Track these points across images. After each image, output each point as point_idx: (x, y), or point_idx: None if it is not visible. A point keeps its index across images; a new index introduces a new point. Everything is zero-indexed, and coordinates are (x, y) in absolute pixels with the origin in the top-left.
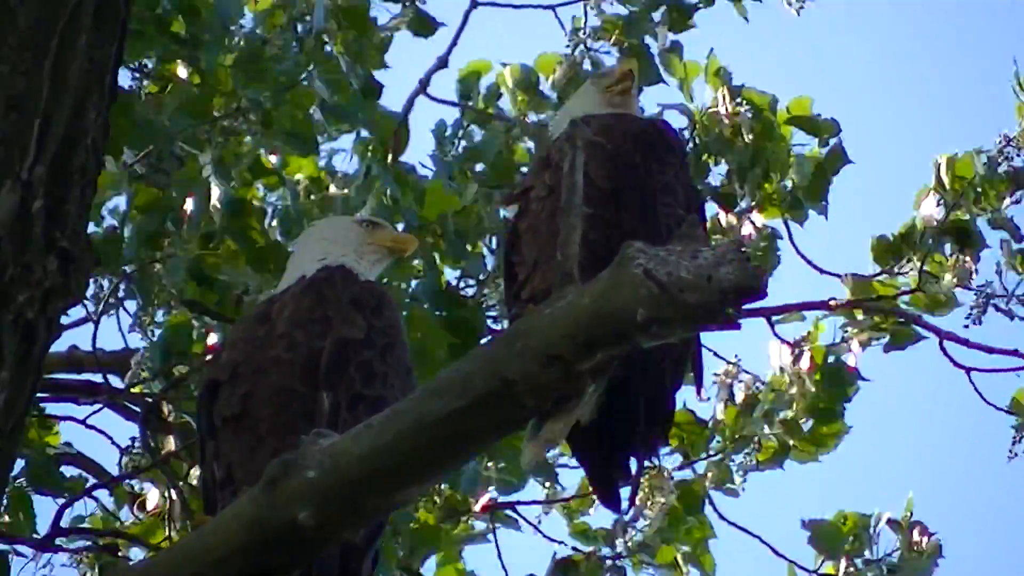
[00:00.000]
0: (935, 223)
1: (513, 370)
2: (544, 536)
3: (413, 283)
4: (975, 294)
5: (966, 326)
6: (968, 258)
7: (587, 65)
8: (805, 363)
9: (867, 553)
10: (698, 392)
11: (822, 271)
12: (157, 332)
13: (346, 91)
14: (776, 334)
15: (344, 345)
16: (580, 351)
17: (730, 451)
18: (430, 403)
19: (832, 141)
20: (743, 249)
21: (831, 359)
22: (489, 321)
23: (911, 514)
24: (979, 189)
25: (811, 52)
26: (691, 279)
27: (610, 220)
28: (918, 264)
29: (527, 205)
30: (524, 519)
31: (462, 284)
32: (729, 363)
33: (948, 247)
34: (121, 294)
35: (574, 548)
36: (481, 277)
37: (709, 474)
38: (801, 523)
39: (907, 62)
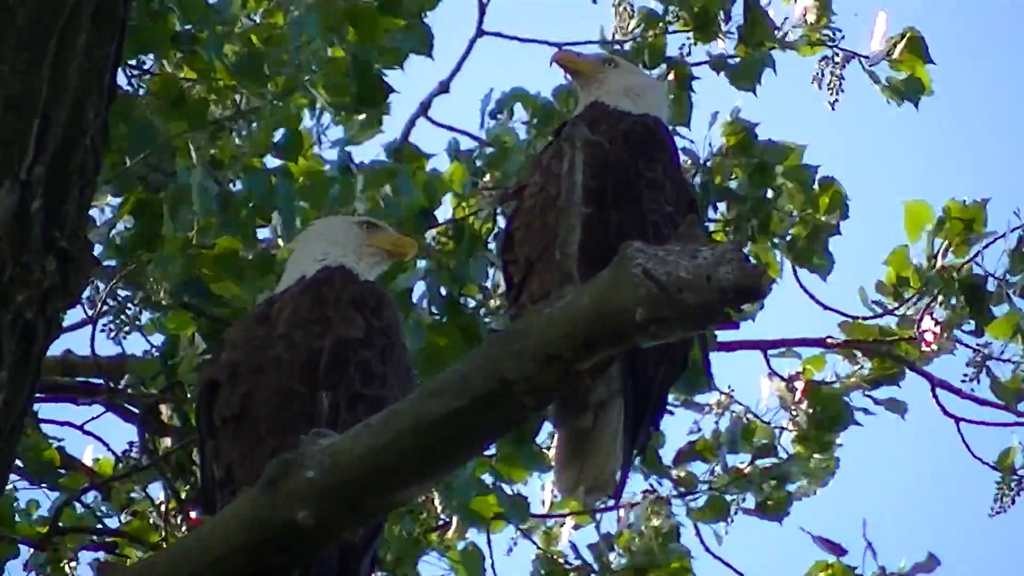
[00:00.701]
0: (936, 271)
1: (512, 370)
2: (538, 547)
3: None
4: (973, 353)
5: (963, 382)
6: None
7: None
8: (799, 395)
9: None
10: (710, 384)
11: (826, 307)
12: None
13: (346, 94)
14: (771, 368)
15: (343, 345)
16: (579, 351)
17: (731, 487)
18: (429, 403)
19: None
20: (741, 247)
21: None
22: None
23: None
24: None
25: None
26: (690, 279)
27: (596, 218)
28: (914, 308)
29: (521, 204)
30: (520, 530)
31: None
32: (722, 393)
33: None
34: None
35: (565, 562)
36: (486, 285)
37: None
38: (812, 538)
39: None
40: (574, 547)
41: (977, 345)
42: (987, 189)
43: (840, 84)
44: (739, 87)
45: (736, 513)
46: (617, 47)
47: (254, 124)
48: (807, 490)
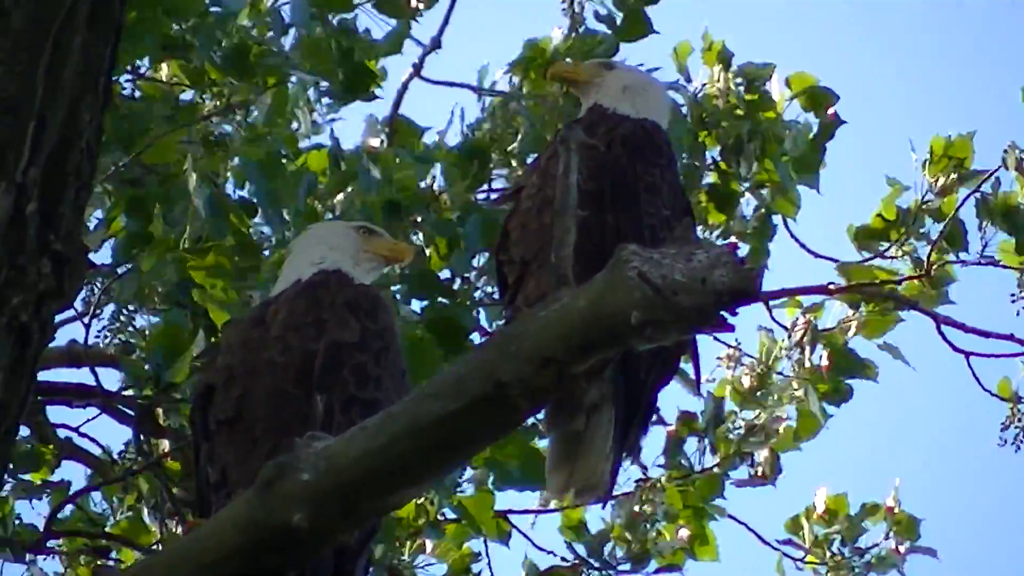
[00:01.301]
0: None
1: (507, 372)
2: (534, 545)
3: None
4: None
5: (1018, 312)
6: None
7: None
8: (812, 352)
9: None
10: (697, 389)
11: (817, 255)
12: (138, 335)
13: (335, 80)
14: (773, 318)
15: (338, 348)
16: (574, 353)
17: (726, 466)
18: (424, 405)
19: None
20: (737, 251)
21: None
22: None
23: (898, 502)
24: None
25: (804, 31)
26: (685, 282)
27: (592, 221)
28: (907, 247)
29: (517, 205)
30: (516, 527)
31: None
32: (730, 347)
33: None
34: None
35: (562, 559)
36: (468, 275)
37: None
38: None
39: (909, 48)
40: (569, 545)
41: (1021, 263)
42: (964, 120)
43: None
44: None
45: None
46: None
47: (242, 116)
48: (790, 445)
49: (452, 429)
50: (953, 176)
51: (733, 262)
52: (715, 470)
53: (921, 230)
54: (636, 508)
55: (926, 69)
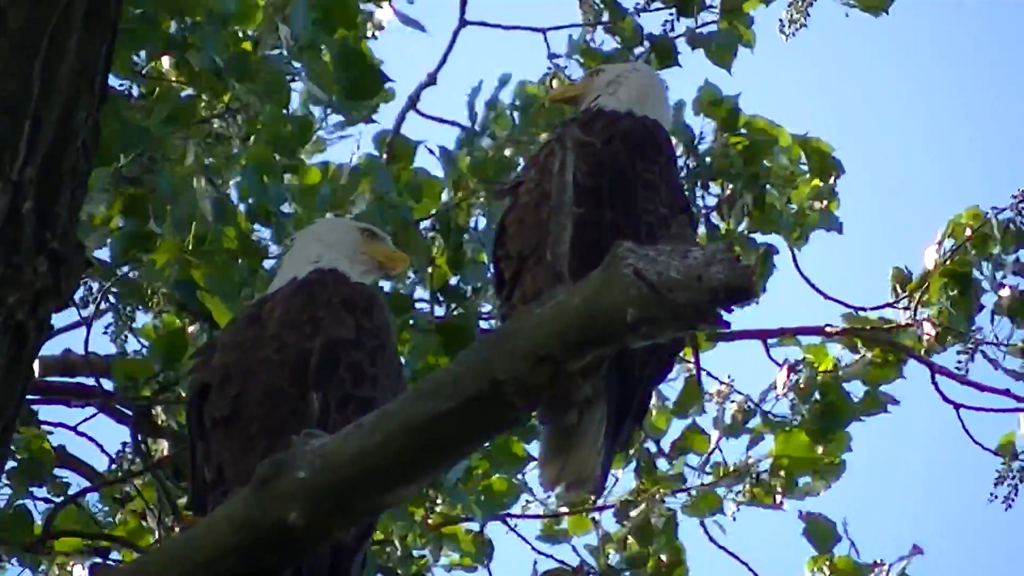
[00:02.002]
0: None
1: (503, 371)
2: (534, 549)
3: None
4: (966, 339)
5: (957, 368)
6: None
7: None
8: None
9: None
10: (698, 381)
11: (827, 296)
12: (138, 336)
13: (334, 90)
14: (770, 357)
15: (334, 346)
16: (570, 351)
17: (723, 481)
18: (420, 404)
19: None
20: (732, 248)
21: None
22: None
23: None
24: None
25: (805, 85)
26: (681, 279)
27: (590, 217)
28: (918, 305)
29: (516, 200)
30: (515, 532)
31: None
32: (722, 382)
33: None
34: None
35: (561, 562)
36: (478, 285)
37: (698, 503)
38: (799, 514)
39: (914, 97)
40: (573, 548)
41: (970, 331)
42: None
43: (804, 19)
44: (716, 63)
45: (738, 510)
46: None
47: (243, 120)
48: (813, 488)
49: (448, 427)
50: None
51: (729, 259)
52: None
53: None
54: (643, 517)
55: (933, 76)
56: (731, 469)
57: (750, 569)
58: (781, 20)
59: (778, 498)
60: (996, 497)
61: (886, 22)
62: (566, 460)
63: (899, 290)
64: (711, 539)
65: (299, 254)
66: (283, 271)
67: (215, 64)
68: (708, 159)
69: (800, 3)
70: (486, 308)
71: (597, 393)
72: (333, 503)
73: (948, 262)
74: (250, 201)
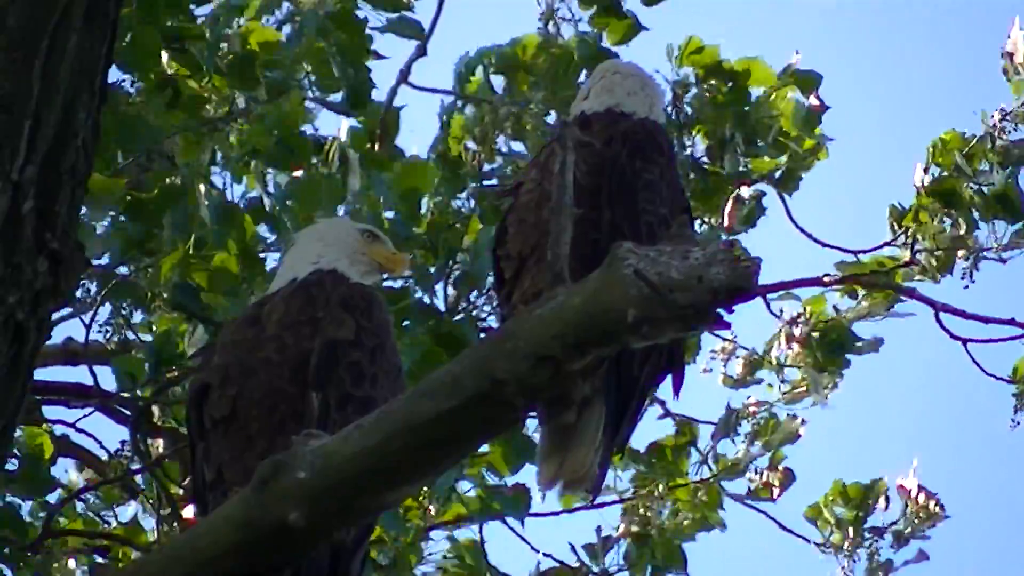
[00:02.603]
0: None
1: (503, 370)
2: (532, 548)
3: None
4: (970, 250)
5: (966, 287)
6: (961, 221)
7: (567, 32)
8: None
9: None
10: (676, 393)
11: (824, 244)
12: (136, 335)
13: (337, 89)
14: (770, 310)
15: (333, 346)
16: (571, 351)
17: (721, 477)
18: (420, 404)
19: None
20: (733, 247)
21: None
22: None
23: (916, 479)
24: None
25: (792, 25)
26: (681, 279)
27: (589, 217)
28: (909, 238)
29: (516, 200)
30: (512, 530)
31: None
32: (725, 339)
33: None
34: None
35: (560, 562)
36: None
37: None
38: None
39: (892, 36)
40: (572, 548)
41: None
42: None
43: None
44: None
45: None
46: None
47: (246, 124)
48: (817, 399)
49: (448, 427)
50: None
51: (730, 259)
52: (712, 481)
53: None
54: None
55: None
56: (729, 463)
57: (768, 515)
58: None
59: (775, 492)
60: (1017, 423)
61: None
62: (563, 459)
63: (896, 227)
64: (728, 494)
65: (299, 254)
66: (283, 271)
67: (218, 67)
68: (692, 107)
69: None
70: (485, 311)
71: (595, 392)
72: (333, 503)
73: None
74: (251, 195)
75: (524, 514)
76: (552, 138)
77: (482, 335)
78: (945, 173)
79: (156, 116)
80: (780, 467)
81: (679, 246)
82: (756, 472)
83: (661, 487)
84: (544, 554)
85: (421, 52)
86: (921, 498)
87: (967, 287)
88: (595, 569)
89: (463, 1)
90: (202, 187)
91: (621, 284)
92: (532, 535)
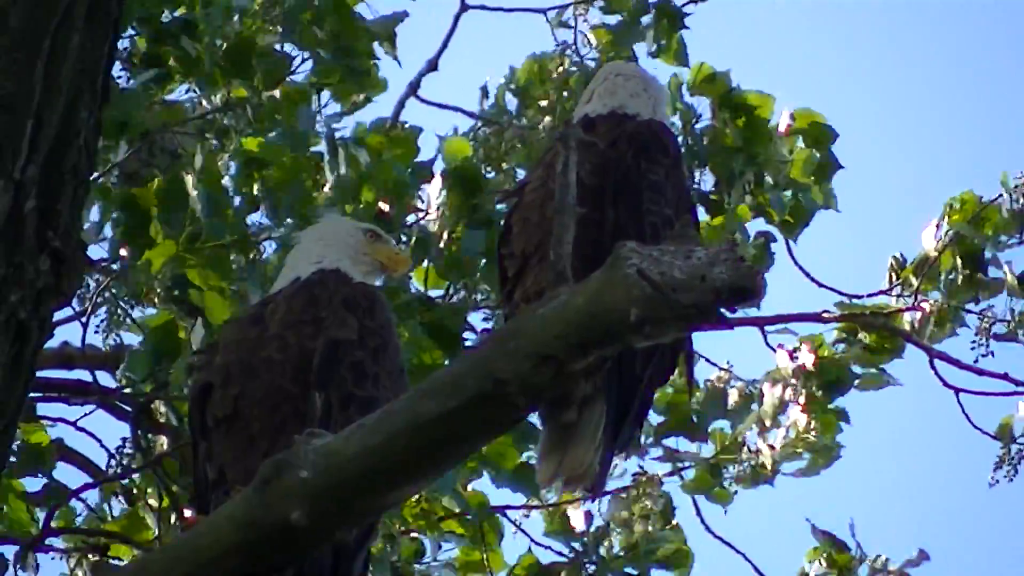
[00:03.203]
0: (938, 251)
1: (505, 370)
2: (531, 539)
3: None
4: (979, 318)
5: (972, 348)
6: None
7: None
8: (805, 361)
9: None
10: (689, 389)
11: (821, 285)
12: (136, 323)
13: (334, 76)
14: (768, 344)
15: (336, 345)
16: (573, 351)
17: (722, 460)
18: (422, 403)
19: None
20: (736, 248)
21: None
22: (480, 321)
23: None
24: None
25: (808, 59)
26: (684, 279)
27: (594, 217)
28: (917, 291)
29: (521, 199)
30: (511, 521)
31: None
32: (721, 369)
33: (952, 276)
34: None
35: (560, 554)
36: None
37: (696, 476)
38: (811, 528)
39: (906, 81)
40: (567, 541)
41: (981, 311)
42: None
43: None
44: None
45: (730, 487)
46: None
47: (241, 113)
48: (812, 469)
49: (450, 426)
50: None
51: (733, 259)
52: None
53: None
54: (634, 505)
55: (929, 60)
56: (728, 444)
57: (745, 558)
58: None
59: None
60: (997, 481)
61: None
62: (563, 457)
63: (895, 277)
64: (706, 527)
65: (302, 254)
66: (286, 271)
67: (214, 58)
68: (705, 139)
69: None
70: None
71: (597, 390)
72: (335, 503)
73: (951, 244)
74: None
75: (536, 491)
76: (556, 138)
77: (470, 327)
78: (962, 233)
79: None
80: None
81: (682, 246)
82: (751, 451)
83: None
84: (543, 546)
85: (432, 67)
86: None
87: (983, 354)
88: (595, 559)
89: (476, 16)
90: (190, 179)
91: (624, 284)
92: (532, 528)
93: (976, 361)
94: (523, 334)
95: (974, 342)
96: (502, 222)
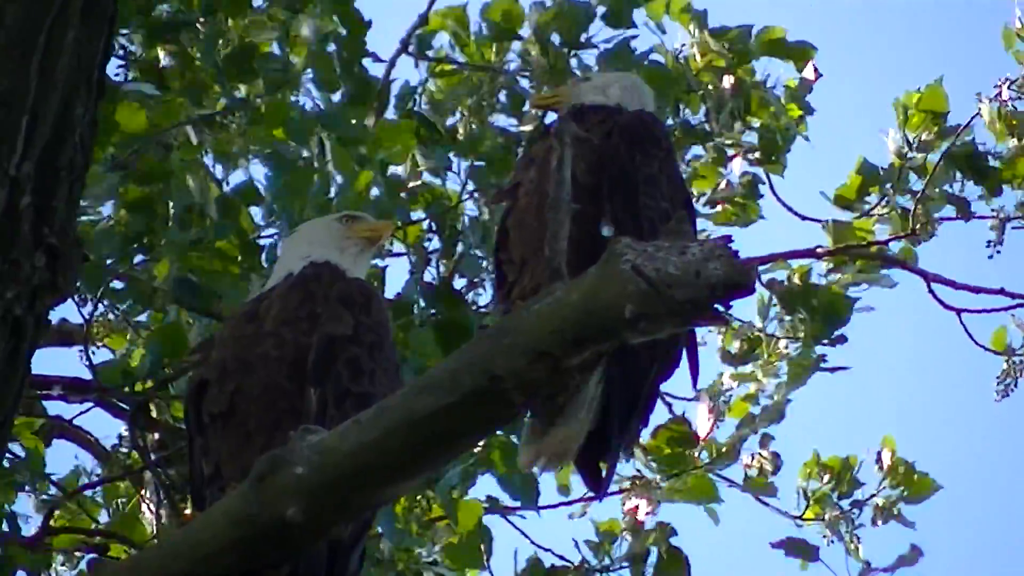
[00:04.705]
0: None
1: (501, 366)
2: (533, 543)
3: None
4: (992, 219)
5: (990, 256)
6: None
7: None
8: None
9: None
10: (694, 384)
11: (804, 218)
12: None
13: (336, 87)
14: (762, 282)
15: (332, 342)
16: (568, 347)
17: (717, 463)
18: (418, 399)
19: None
20: (730, 244)
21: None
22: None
23: (893, 452)
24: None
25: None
26: (679, 275)
27: (591, 214)
28: (891, 205)
29: (515, 202)
30: (513, 526)
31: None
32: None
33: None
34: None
35: (560, 556)
36: (475, 280)
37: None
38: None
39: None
40: (575, 544)
41: (993, 209)
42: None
43: None
44: None
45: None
46: None
47: (243, 118)
48: (782, 391)
49: (446, 422)
50: (934, 130)
51: (727, 255)
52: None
53: (905, 188)
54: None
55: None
56: (723, 450)
57: (751, 493)
58: None
59: (771, 481)
60: (1005, 395)
61: None
62: (546, 435)
63: (866, 190)
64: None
65: (290, 253)
66: (278, 269)
67: (215, 62)
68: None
69: None
70: (483, 301)
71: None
72: (331, 499)
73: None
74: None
75: (535, 503)
76: (551, 134)
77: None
78: (931, 136)
79: (162, 113)
80: (769, 451)
81: (677, 242)
82: (751, 457)
83: (659, 478)
84: (545, 549)
85: (423, 22)
86: (901, 469)
87: (991, 256)
88: (597, 565)
89: None
90: (191, 180)
91: (619, 280)
92: (534, 531)
93: (991, 258)
94: (518, 330)
95: (989, 241)
96: (497, 227)
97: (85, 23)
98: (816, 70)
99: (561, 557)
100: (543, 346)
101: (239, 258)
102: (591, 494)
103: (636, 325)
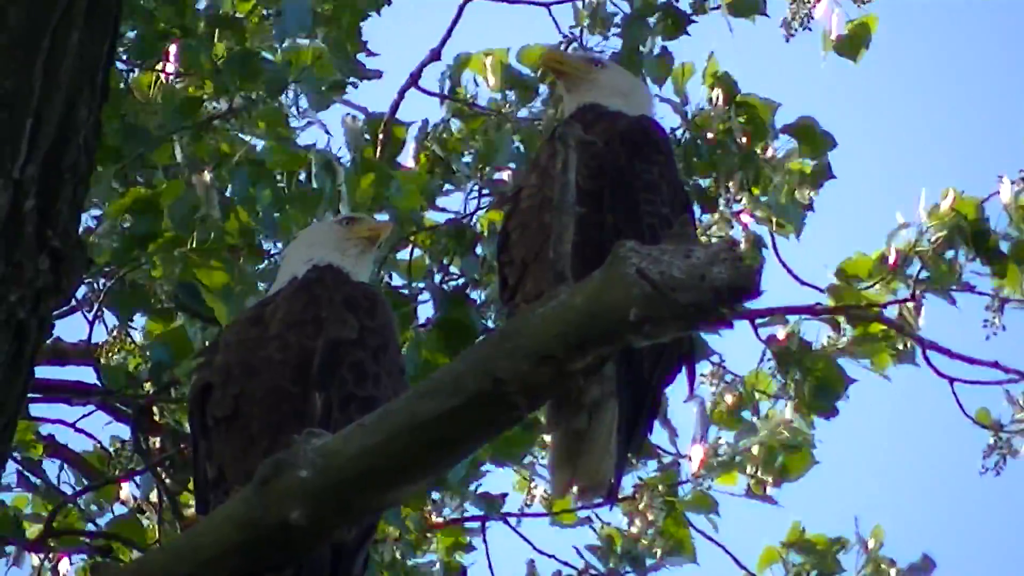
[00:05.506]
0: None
1: (505, 370)
2: (535, 548)
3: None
4: (991, 298)
5: (987, 337)
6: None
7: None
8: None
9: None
10: (690, 391)
11: (803, 283)
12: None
13: (337, 89)
14: (759, 337)
15: (336, 345)
16: (572, 351)
17: (715, 472)
18: (422, 403)
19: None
20: (735, 247)
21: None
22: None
23: (880, 543)
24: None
25: (807, 72)
26: (684, 278)
27: (592, 219)
28: (894, 284)
29: (517, 206)
30: (516, 532)
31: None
32: (713, 364)
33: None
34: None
35: (564, 563)
36: (476, 277)
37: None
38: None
39: (904, 91)
40: (577, 550)
41: (993, 289)
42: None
43: (807, 21)
44: (739, 16)
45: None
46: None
47: (245, 118)
48: (792, 470)
49: (450, 426)
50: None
51: (732, 258)
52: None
53: (908, 271)
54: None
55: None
56: (722, 459)
57: (739, 564)
58: (785, 19)
59: (769, 489)
60: (987, 469)
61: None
62: (577, 466)
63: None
64: (696, 530)
65: (293, 258)
66: (281, 274)
67: (211, 63)
68: (708, 134)
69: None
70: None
71: (606, 395)
72: (335, 502)
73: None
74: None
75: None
76: (554, 137)
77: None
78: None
79: (159, 125)
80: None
81: (681, 245)
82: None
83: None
84: (546, 554)
85: (434, 56)
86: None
87: (988, 337)
88: (601, 570)
89: (480, 6)
90: (198, 180)
91: (623, 283)
92: (536, 536)
93: (988, 339)
94: (522, 334)
95: (986, 321)
96: (499, 230)
97: (89, 25)
98: (829, 167)
99: (564, 563)
100: (547, 349)
101: (240, 261)
102: (600, 501)
103: (640, 328)
